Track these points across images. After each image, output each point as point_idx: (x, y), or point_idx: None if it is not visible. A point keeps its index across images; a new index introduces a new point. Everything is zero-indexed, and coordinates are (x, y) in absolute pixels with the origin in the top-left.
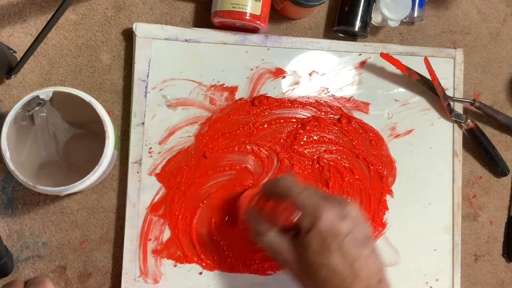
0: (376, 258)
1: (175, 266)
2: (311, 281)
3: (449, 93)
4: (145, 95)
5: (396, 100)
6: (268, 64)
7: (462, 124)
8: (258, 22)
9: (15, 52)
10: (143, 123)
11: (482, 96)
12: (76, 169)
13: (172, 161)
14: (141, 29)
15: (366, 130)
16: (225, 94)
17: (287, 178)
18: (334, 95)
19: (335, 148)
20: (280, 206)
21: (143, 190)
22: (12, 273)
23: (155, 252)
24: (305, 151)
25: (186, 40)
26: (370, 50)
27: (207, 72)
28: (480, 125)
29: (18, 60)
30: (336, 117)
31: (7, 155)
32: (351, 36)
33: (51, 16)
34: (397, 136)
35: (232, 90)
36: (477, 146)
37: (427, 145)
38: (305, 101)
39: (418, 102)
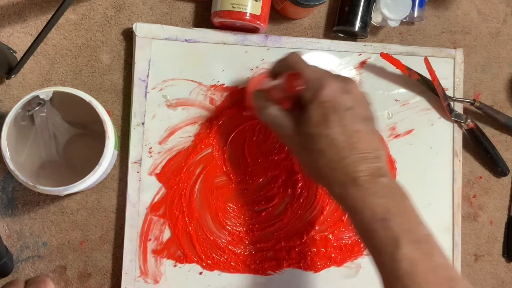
0: (376, 138)
1: (175, 266)
2: (309, 152)
3: (449, 93)
4: (145, 95)
5: (396, 100)
6: (268, 64)
7: (462, 124)
8: (258, 22)
9: (15, 52)
10: (143, 123)
11: (482, 96)
12: (76, 169)
13: (172, 161)
14: (141, 29)
15: None
16: (225, 94)
17: (295, 54)
18: None
19: None
20: (282, 79)
21: (143, 190)
22: (12, 273)
23: (155, 252)
24: None
25: (186, 40)
26: (370, 50)
27: (207, 72)
28: (480, 125)
29: (18, 60)
30: None
31: (7, 155)
32: (351, 36)
33: (51, 16)
34: (397, 136)
35: (232, 90)
36: (477, 146)
37: (427, 145)
38: None
39: (418, 102)
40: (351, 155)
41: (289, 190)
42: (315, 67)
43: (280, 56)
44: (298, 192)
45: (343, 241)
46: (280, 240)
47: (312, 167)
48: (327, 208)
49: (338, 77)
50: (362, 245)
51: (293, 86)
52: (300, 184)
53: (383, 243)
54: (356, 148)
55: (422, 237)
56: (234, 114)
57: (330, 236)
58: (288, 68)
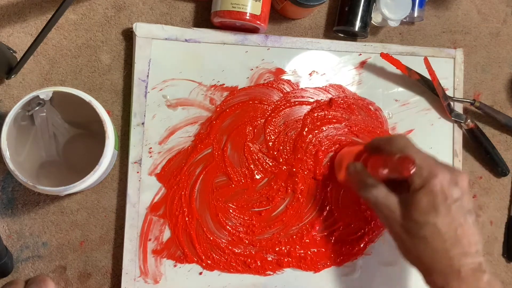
0: (477, 230)
1: (175, 266)
2: (412, 238)
3: (449, 93)
4: (145, 95)
5: (396, 100)
6: (268, 64)
7: (462, 124)
8: (258, 22)
9: (15, 52)
10: (143, 123)
11: (482, 96)
12: (76, 169)
13: (172, 161)
14: (141, 29)
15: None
16: (225, 94)
17: (403, 136)
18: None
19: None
20: (393, 160)
21: (143, 190)
22: (12, 273)
23: (155, 252)
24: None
25: (186, 40)
26: (370, 50)
27: (207, 72)
28: (480, 125)
29: (18, 60)
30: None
31: (7, 155)
32: (351, 36)
33: (51, 16)
34: None
35: (232, 90)
36: (477, 146)
37: (427, 145)
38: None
39: (418, 102)
40: (455, 248)
41: (289, 190)
42: (426, 153)
43: (386, 137)
44: (298, 192)
45: (343, 241)
46: (280, 240)
47: (413, 252)
48: (327, 208)
49: (448, 167)
50: (361, 245)
51: (407, 170)
52: (300, 185)
53: None
54: (460, 241)
55: None
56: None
57: (331, 236)
58: (397, 150)
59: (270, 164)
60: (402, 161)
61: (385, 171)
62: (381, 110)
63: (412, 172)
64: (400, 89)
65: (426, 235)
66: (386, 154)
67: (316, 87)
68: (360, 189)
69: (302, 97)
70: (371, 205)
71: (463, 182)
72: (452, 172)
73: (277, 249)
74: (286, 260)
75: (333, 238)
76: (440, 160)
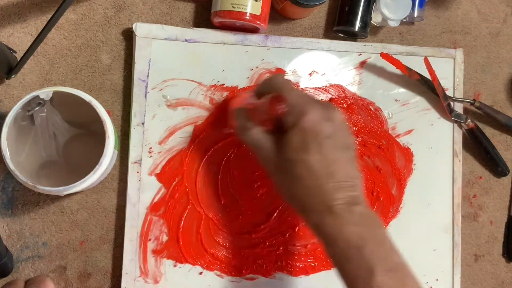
0: (354, 167)
1: (175, 266)
2: (287, 177)
3: (449, 93)
4: (145, 95)
5: (396, 100)
6: (268, 64)
7: (462, 124)
8: (258, 22)
9: (15, 52)
10: (143, 123)
11: (482, 96)
12: (76, 169)
13: (172, 161)
14: (141, 29)
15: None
16: (225, 94)
17: (279, 76)
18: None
19: None
20: (266, 100)
21: (143, 190)
22: (12, 273)
23: (155, 252)
24: None
25: (186, 40)
26: (370, 50)
27: (207, 72)
28: (480, 125)
29: (18, 60)
30: None
31: (7, 155)
32: (351, 36)
33: (51, 16)
34: (397, 136)
35: (232, 90)
36: (477, 146)
37: (427, 145)
38: None
39: (418, 102)
40: (328, 183)
41: None
42: (300, 91)
43: (266, 77)
44: None
45: None
46: (282, 242)
47: (289, 192)
48: None
49: (321, 104)
50: None
51: (276, 109)
52: None
53: (357, 271)
54: (333, 177)
55: (396, 265)
56: (213, 132)
57: None
58: (272, 90)
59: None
60: (272, 101)
61: (261, 112)
62: (381, 110)
63: (281, 111)
64: (400, 89)
65: (299, 173)
66: (265, 96)
67: (316, 87)
68: (239, 131)
69: None
70: (250, 148)
71: (336, 118)
72: (325, 109)
73: (278, 251)
74: (287, 261)
75: None
76: (318, 99)
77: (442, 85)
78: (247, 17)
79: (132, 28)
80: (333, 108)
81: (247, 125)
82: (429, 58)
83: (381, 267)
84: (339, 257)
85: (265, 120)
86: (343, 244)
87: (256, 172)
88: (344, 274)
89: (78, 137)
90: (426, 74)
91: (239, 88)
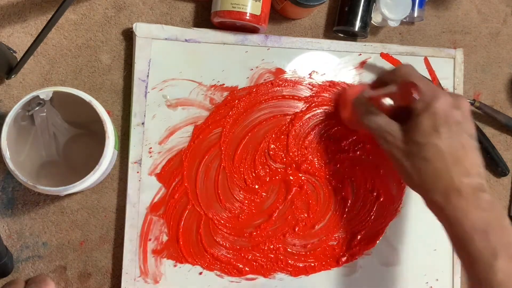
0: (478, 155)
1: (175, 266)
2: (413, 161)
3: None
4: (145, 95)
5: None
6: (268, 64)
7: None
8: (258, 22)
9: (15, 52)
10: (143, 123)
11: (482, 96)
12: (76, 169)
13: (172, 161)
14: (141, 29)
15: None
16: (225, 94)
17: (409, 65)
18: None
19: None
20: (397, 87)
21: (143, 190)
22: (12, 273)
23: (155, 252)
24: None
25: (186, 40)
26: (370, 50)
27: (207, 72)
28: (480, 125)
29: (18, 60)
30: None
31: (7, 155)
32: (351, 36)
33: (51, 16)
34: None
35: (232, 90)
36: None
37: None
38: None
39: None
40: (456, 167)
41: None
42: (428, 80)
43: (390, 68)
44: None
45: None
46: (282, 242)
47: (416, 175)
48: (329, 213)
49: (450, 93)
50: (359, 247)
51: (409, 95)
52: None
53: (480, 253)
54: (461, 162)
55: None
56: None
57: (335, 242)
58: (400, 79)
59: (276, 166)
60: (406, 87)
61: (389, 100)
62: None
63: (415, 96)
64: None
65: (427, 155)
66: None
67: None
68: (363, 117)
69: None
70: (373, 133)
71: (464, 106)
72: (454, 97)
73: (278, 251)
74: (287, 262)
75: (337, 243)
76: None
77: (442, 85)
78: (247, 17)
79: (132, 28)
80: (462, 97)
81: (373, 111)
82: (429, 58)
83: (504, 253)
84: (461, 238)
85: (386, 108)
86: (468, 227)
87: (256, 172)
88: (465, 255)
89: (78, 137)
90: (426, 74)
91: (239, 88)
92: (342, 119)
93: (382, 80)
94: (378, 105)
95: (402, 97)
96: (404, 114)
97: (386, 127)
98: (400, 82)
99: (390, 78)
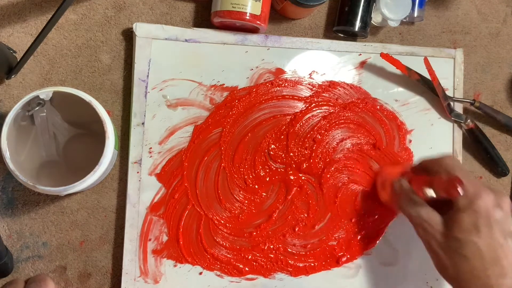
0: None
1: (175, 266)
2: (452, 256)
3: (449, 93)
4: (145, 95)
5: (396, 100)
6: (268, 64)
7: (462, 124)
8: (258, 22)
9: (15, 52)
10: (143, 123)
11: (482, 96)
12: (76, 169)
13: (172, 161)
14: (141, 29)
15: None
16: (225, 94)
17: (451, 158)
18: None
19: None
20: (441, 181)
21: (143, 190)
22: (12, 273)
23: (155, 252)
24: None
25: (186, 40)
26: (370, 50)
27: (207, 72)
28: (480, 125)
29: (18, 60)
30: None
31: (7, 155)
32: (351, 36)
33: (51, 16)
34: None
35: (232, 90)
36: (477, 146)
37: (427, 145)
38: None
39: (418, 102)
40: (494, 267)
41: (293, 191)
42: (470, 173)
43: (433, 156)
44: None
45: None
46: (282, 242)
47: (453, 270)
48: (329, 213)
49: (492, 190)
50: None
51: (454, 190)
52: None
53: None
54: (499, 262)
55: None
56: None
57: (335, 242)
58: (443, 170)
59: (276, 166)
60: (451, 182)
61: (432, 191)
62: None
63: (460, 192)
64: (400, 89)
65: (466, 253)
66: (433, 174)
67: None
68: (405, 205)
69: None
70: (412, 222)
71: (506, 205)
72: (496, 194)
73: (278, 251)
74: (287, 262)
75: (337, 242)
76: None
77: (442, 85)
78: (247, 17)
79: (132, 28)
80: (504, 195)
81: (415, 198)
82: (429, 58)
83: None
84: None
85: (426, 197)
86: None
87: (256, 172)
88: None
89: (78, 137)
90: (426, 74)
91: (239, 88)
92: (378, 195)
93: (423, 167)
94: (420, 194)
95: (446, 190)
96: (440, 202)
97: (427, 218)
98: (445, 176)
99: (432, 168)
